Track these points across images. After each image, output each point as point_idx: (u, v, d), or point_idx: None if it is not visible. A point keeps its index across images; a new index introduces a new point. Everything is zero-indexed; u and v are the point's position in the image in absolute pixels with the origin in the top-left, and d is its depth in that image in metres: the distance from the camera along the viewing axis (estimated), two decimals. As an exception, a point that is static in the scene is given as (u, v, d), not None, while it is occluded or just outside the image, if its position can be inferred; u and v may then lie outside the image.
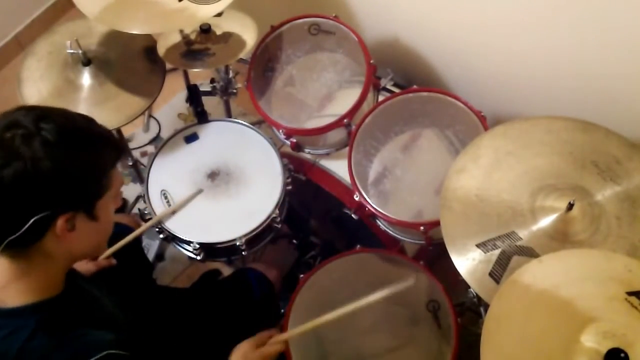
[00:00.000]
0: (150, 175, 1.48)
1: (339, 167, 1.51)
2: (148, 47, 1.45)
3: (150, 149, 2.18)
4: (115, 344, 0.88)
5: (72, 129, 0.82)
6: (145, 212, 1.45)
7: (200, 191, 1.44)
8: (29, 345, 0.82)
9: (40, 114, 0.81)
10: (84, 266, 1.23)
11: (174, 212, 1.41)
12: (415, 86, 1.41)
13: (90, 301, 1.00)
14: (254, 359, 1.07)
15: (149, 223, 1.39)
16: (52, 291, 0.88)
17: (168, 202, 1.43)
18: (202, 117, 1.57)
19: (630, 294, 0.86)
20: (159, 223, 1.41)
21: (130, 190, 2.10)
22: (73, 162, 0.81)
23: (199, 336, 1.30)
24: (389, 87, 1.56)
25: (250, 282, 1.43)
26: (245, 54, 1.42)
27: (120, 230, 1.37)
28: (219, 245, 1.40)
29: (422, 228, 1.28)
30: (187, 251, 1.45)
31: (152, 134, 2.21)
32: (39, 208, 0.79)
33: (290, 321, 1.30)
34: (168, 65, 1.44)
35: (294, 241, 1.84)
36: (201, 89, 1.61)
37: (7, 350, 0.82)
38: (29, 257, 0.84)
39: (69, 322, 0.88)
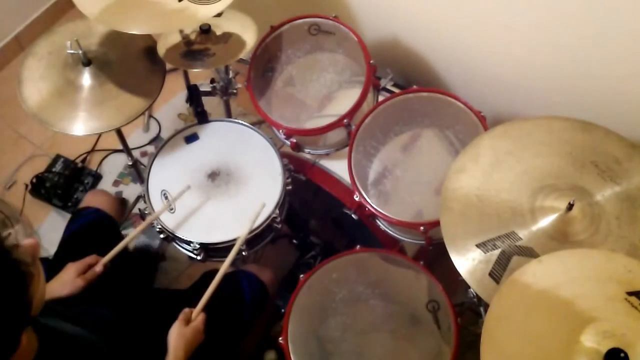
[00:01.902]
0: (150, 175, 1.48)
1: (339, 167, 1.51)
2: (148, 47, 1.45)
3: (151, 149, 2.18)
4: None
5: None
6: (146, 212, 1.45)
7: (187, 187, 1.44)
8: None
9: None
10: (70, 284, 1.21)
11: (171, 209, 1.42)
12: (415, 86, 1.41)
13: (66, 342, 0.97)
14: (189, 334, 1.16)
15: (143, 224, 1.37)
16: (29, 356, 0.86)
17: (168, 202, 1.43)
18: (202, 117, 1.57)
19: (630, 294, 0.86)
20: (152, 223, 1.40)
21: (130, 190, 2.10)
22: None
23: None
24: (389, 87, 1.56)
25: (241, 284, 1.43)
26: (245, 54, 1.42)
27: (100, 217, 1.39)
28: (219, 245, 1.40)
29: (422, 228, 1.28)
30: (187, 251, 1.45)
31: (152, 134, 2.21)
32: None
33: (291, 321, 1.30)
34: (168, 66, 1.44)
35: (294, 241, 1.84)
36: (201, 89, 1.61)
37: None
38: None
39: None
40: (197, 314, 1.21)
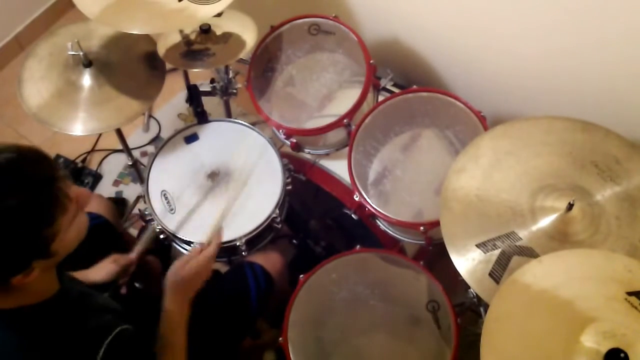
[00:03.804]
0: (150, 175, 1.48)
1: (339, 167, 1.51)
2: (149, 51, 1.44)
3: (150, 149, 2.18)
4: (120, 320, 0.92)
5: None
6: (146, 212, 1.45)
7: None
8: None
9: None
10: (103, 270, 1.26)
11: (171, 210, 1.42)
12: (415, 86, 1.41)
13: (84, 295, 1.02)
14: (187, 272, 1.15)
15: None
16: (45, 294, 0.91)
17: (168, 202, 1.43)
18: (202, 117, 1.57)
19: (630, 294, 0.86)
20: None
21: (130, 190, 2.10)
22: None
23: (197, 336, 1.29)
24: (389, 87, 1.56)
25: (247, 280, 1.41)
26: (245, 54, 1.42)
27: (101, 223, 1.43)
28: (219, 246, 1.40)
29: (422, 228, 1.28)
30: (187, 251, 1.45)
31: (152, 134, 2.22)
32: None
33: (291, 321, 1.30)
34: (168, 65, 1.44)
35: (294, 241, 1.84)
36: (201, 89, 1.61)
37: None
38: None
39: (64, 320, 0.90)
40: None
